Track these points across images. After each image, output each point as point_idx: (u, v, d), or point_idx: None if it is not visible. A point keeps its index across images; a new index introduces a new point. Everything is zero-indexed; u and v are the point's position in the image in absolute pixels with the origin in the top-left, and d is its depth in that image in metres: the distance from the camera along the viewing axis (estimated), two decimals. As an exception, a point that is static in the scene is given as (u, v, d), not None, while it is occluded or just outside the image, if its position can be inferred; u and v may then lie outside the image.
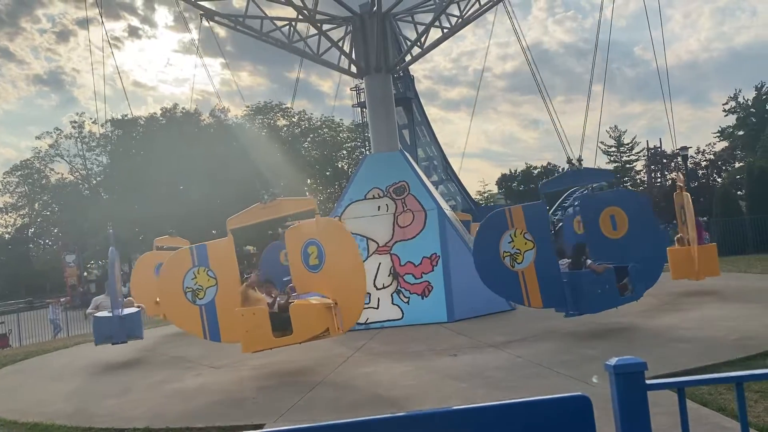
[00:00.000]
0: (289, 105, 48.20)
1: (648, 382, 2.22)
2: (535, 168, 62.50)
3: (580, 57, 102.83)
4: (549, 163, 62.04)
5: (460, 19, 16.74)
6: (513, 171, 63.82)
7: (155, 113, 51.18)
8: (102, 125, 48.69)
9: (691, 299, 12.22)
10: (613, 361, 2.19)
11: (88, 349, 13.50)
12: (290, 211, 10.75)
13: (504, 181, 63.18)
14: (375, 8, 15.23)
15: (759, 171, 25.67)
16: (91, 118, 52.30)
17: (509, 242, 9.68)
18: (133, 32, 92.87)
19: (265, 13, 16.72)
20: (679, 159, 35.99)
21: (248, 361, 10.01)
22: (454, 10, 16.93)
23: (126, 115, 47.15)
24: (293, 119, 52.33)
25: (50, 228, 58.17)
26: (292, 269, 10.30)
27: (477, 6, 16.53)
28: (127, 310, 11.97)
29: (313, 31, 16.48)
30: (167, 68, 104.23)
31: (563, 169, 59.83)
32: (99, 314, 11.93)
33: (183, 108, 49.60)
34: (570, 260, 10.07)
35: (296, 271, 10.13)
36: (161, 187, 42.58)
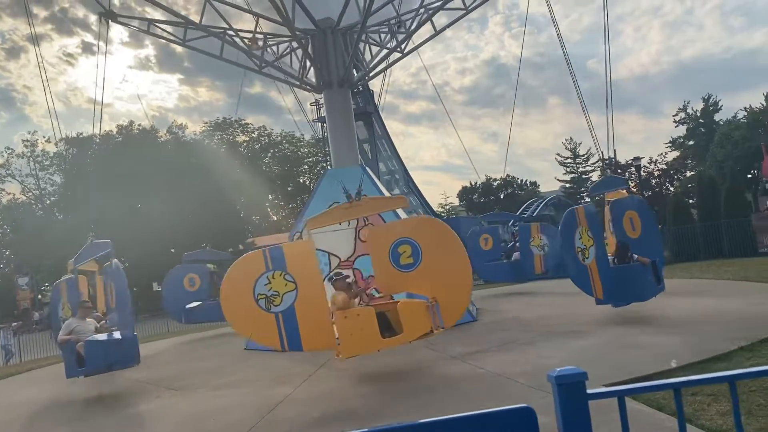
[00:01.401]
0: (248, 121, 48.00)
1: (589, 391, 2.27)
2: (495, 180, 63.31)
3: (536, 70, 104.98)
4: (508, 175, 62.96)
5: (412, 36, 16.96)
6: (473, 183, 64.53)
7: (111, 131, 50.28)
8: (56, 144, 47.59)
9: (648, 305, 12.50)
10: (554, 372, 2.24)
11: (44, 374, 13.11)
12: (379, 210, 10.31)
13: (465, 193, 63.80)
14: (337, 23, 15.36)
15: (709, 180, 26.52)
16: (44, 137, 51.11)
17: (579, 239, 10.62)
18: (87, 48, 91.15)
19: (229, 24, 16.63)
20: (633, 169, 36.95)
21: (209, 381, 9.85)
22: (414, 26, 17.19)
23: (81, 133, 46.17)
24: (253, 135, 52.02)
25: (1, 250, 56.34)
26: (376, 271, 9.70)
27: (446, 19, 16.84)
28: (117, 333, 10.35)
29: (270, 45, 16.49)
30: (123, 84, 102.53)
31: (524, 181, 60.35)
32: (96, 337, 10.13)
33: (139, 125, 48.86)
34: (614, 257, 11.24)
35: (383, 271, 9.53)
36: (118, 205, 41.74)
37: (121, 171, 41.67)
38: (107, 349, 9.89)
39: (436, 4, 16.65)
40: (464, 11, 16.65)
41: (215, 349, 14.99)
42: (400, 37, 17.31)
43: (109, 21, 16.42)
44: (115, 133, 49.43)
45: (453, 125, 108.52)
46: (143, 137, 47.26)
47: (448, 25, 17.35)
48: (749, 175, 50.06)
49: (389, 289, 9.49)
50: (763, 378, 5.83)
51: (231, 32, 16.24)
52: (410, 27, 17.04)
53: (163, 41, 17.28)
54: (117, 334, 10.10)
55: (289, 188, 52.23)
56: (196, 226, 38.58)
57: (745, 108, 55.61)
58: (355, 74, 17.43)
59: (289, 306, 8.44)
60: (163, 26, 16.47)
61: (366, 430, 2.10)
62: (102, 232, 40.31)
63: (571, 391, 2.16)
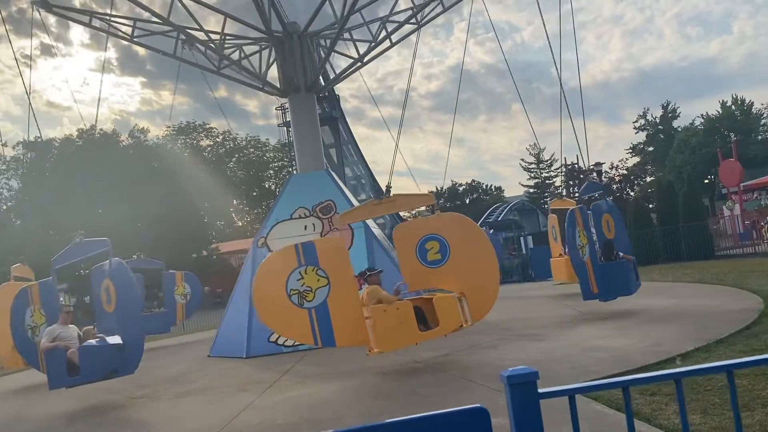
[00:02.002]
0: (212, 125, 47.50)
1: (540, 390, 2.30)
2: (461, 185, 63.87)
3: (500, 77, 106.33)
4: (473, 180, 63.58)
5: (382, 41, 17.02)
6: (440, 188, 64.96)
7: (71, 135, 49.17)
8: (13, 147, 46.35)
9: (607, 307, 12.73)
10: (506, 371, 2.26)
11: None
12: (407, 207, 10.37)
13: (431, 198, 64.03)
14: (302, 27, 15.31)
15: (668, 185, 27.17)
16: (1, 142, 49.72)
17: (578, 237, 11.58)
18: (45, 50, 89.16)
19: (184, 30, 16.41)
20: (594, 174, 37.63)
21: (171, 389, 9.67)
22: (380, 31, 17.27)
23: (39, 137, 45.06)
24: (218, 139, 51.48)
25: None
26: (403, 267, 9.66)
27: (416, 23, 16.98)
28: (115, 338, 9.44)
29: (232, 49, 16.34)
30: (83, 87, 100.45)
31: (489, 186, 60.87)
32: (91, 343, 9.32)
33: (101, 129, 47.88)
34: (602, 256, 12.01)
35: (410, 267, 9.47)
36: (78, 211, 40.80)
37: (82, 176, 40.79)
38: (107, 354, 9.10)
39: (394, 17, 16.91)
40: (417, 26, 17.04)
41: (177, 357, 14.75)
42: (364, 45, 17.36)
43: (42, 11, 15.61)
44: (75, 137, 48.37)
45: (388, 133, 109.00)
46: (105, 141, 46.34)
47: (400, 39, 17.65)
48: (706, 181, 51.51)
49: (416, 285, 9.51)
50: (719, 378, 5.98)
51: (194, 31, 15.91)
52: (378, 35, 17.13)
53: (124, 42, 16.87)
54: (116, 339, 9.24)
55: (254, 193, 51.83)
56: (158, 232, 37.95)
57: (702, 115, 57.34)
58: (321, 80, 17.41)
59: (322, 301, 8.44)
60: (110, 21, 15.89)
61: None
62: (61, 238, 39.38)
63: (523, 391, 2.20)
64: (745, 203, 32.97)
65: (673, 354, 7.67)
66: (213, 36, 15.87)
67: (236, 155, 52.00)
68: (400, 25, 16.84)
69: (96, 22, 15.98)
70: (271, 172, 53.87)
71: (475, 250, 9.28)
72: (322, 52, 17.44)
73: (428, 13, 16.82)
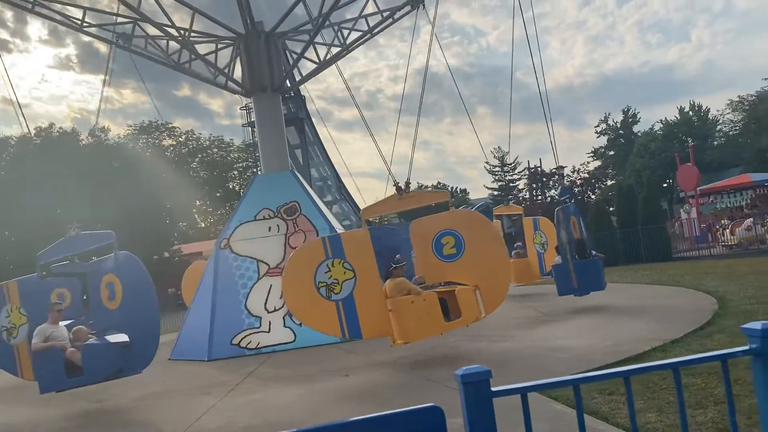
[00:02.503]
0: (175, 124, 46.78)
1: (493, 389, 2.33)
2: (427, 187, 64.12)
3: (466, 80, 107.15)
4: (439, 182, 63.94)
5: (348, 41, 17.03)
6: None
7: (28, 133, 47.83)
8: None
9: (568, 309, 12.94)
10: (460, 371, 2.29)
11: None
12: (425, 202, 10.80)
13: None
14: (260, 26, 15.19)
15: (627, 188, 27.77)
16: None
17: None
18: (2, 46, 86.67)
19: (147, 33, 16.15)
20: (557, 177, 38.20)
21: (131, 392, 9.48)
22: (349, 25, 17.33)
23: (-7, 135, 43.78)
24: (180, 139, 50.71)
25: None
26: (419, 260, 9.96)
27: (375, 24, 17.03)
28: (120, 337, 8.95)
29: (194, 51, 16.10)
30: (42, 85, 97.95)
31: (450, 188, 61.25)
32: (93, 341, 8.88)
33: (60, 128, 46.74)
34: (577, 254, 12.81)
35: (426, 261, 9.80)
36: (36, 211, 39.72)
37: (39, 175, 39.76)
38: (113, 354, 8.61)
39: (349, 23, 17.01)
40: (369, 34, 17.16)
41: (138, 360, 14.44)
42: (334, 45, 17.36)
43: None
44: (32, 135, 47.09)
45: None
46: (64, 140, 45.25)
47: (359, 44, 17.72)
48: (665, 185, 52.75)
49: (432, 278, 9.71)
50: (689, 373, 6.12)
51: (168, 28, 15.58)
52: (347, 36, 17.17)
53: (85, 39, 16.46)
54: (121, 337, 8.78)
55: (217, 194, 51.20)
56: (119, 233, 37.26)
57: (661, 120, 58.68)
58: (288, 80, 17.31)
59: (349, 294, 8.66)
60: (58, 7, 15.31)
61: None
62: (17, 239, 38.30)
63: (476, 389, 2.23)
64: (701, 207, 33.84)
65: (632, 354, 7.83)
66: (170, 31, 15.54)
67: (199, 155, 51.31)
68: (367, 33, 16.85)
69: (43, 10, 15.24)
70: (236, 172, 53.31)
71: (488, 245, 9.69)
72: (288, 54, 17.37)
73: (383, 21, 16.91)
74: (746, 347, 2.47)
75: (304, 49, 16.32)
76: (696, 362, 2.71)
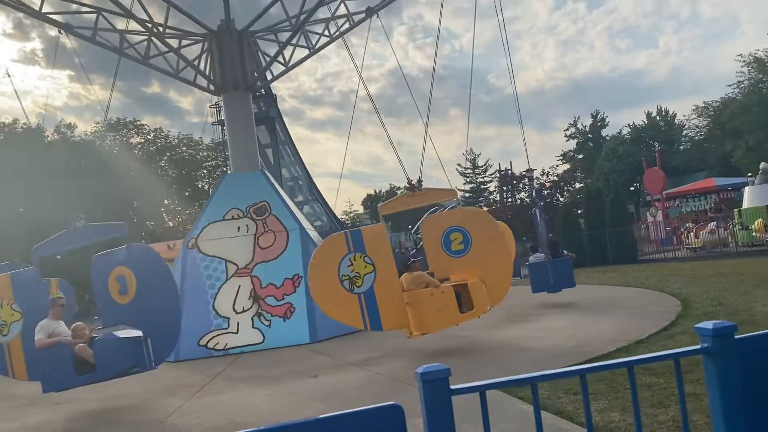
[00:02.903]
0: (143, 122, 46.09)
1: (452, 387, 2.36)
2: (399, 188, 64.29)
3: (439, 82, 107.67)
4: (411, 182, 64.04)
5: (323, 37, 16.99)
6: (378, 191, 65.33)
7: (-9, 128, 46.67)
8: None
9: (535, 310, 13.11)
10: (420, 369, 2.32)
11: None
12: (436, 200, 11.39)
13: (370, 201, 64.43)
14: (235, 24, 15.07)
15: (595, 191, 28.21)
16: None
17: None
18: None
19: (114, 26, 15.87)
20: (527, 180, 38.63)
21: (97, 394, 9.31)
22: (317, 28, 17.29)
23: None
24: (149, 137, 49.99)
25: None
26: (429, 255, 10.25)
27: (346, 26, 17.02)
28: (132, 332, 8.55)
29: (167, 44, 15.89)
30: (5, 79, 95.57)
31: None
32: (103, 336, 8.51)
33: (24, 123, 45.71)
34: (550, 252, 13.55)
35: (435, 257, 10.11)
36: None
37: (2, 171, 38.83)
38: (128, 349, 8.21)
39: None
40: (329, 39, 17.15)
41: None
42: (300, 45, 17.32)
43: None
44: (-6, 130, 45.99)
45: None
46: (28, 136, 44.26)
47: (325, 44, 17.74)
48: (632, 188, 53.71)
49: (441, 273, 9.94)
50: (639, 377, 6.24)
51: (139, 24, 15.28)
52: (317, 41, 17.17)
53: (52, 33, 16.06)
54: (133, 332, 8.34)
55: (186, 193, 50.58)
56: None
57: (629, 125, 59.75)
58: (259, 78, 17.20)
59: (369, 287, 9.11)
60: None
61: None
62: (-22, 237, 37.32)
63: (435, 387, 2.26)
64: (667, 210, 34.55)
65: (597, 354, 7.97)
66: (136, 25, 15.28)
67: (168, 153, 50.62)
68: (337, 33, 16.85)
69: None
70: (205, 171, 52.70)
71: (493, 242, 10.12)
72: (260, 53, 17.28)
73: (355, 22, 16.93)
74: (698, 346, 2.54)
75: (281, 49, 16.26)
76: (649, 361, 2.78)
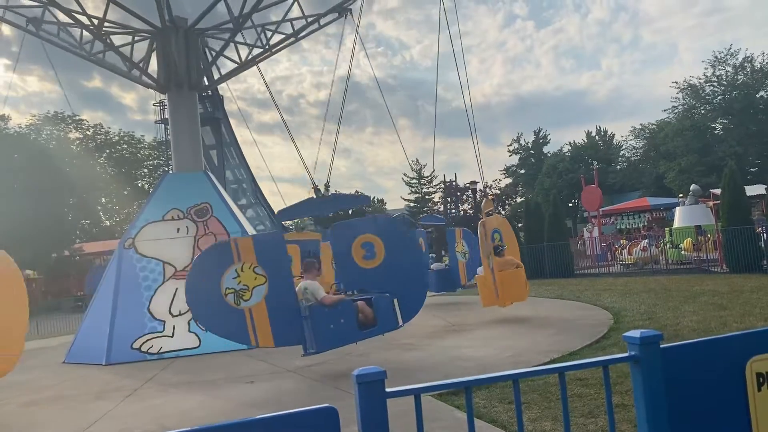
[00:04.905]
0: (83, 117, 44.57)
1: (387, 390, 2.39)
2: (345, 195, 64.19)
3: (388, 92, 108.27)
4: (357, 191, 64.08)
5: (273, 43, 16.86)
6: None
7: None
8: None
9: (472, 322, 13.29)
10: (356, 371, 2.33)
11: None
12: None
13: (313, 206, 63.88)
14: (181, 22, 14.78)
15: (535, 206, 28.88)
16: None
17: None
18: None
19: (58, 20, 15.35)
20: (470, 192, 39.19)
21: (19, 397, 8.92)
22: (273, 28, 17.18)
23: None
24: (87, 132, 48.38)
25: None
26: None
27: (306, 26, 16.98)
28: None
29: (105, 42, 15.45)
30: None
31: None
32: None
33: (-47, 113, 43.49)
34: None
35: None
36: None
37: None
38: (393, 307, 9.12)
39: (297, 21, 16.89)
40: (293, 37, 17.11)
41: (29, 362, 13.58)
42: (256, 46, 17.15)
43: None
44: None
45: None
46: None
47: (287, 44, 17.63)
48: (570, 204, 55.30)
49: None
50: (570, 388, 6.40)
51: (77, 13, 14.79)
52: (269, 38, 17.01)
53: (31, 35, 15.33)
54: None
55: (125, 192, 49.14)
56: (15, 230, 35.00)
57: (569, 143, 61.62)
58: (205, 79, 16.92)
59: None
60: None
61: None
62: None
63: (370, 389, 2.27)
64: (603, 227, 35.68)
65: (532, 364, 8.14)
66: (82, 19, 14.82)
67: (107, 150, 49.10)
68: (294, 35, 16.79)
69: None
70: (146, 170, 51.35)
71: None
72: (208, 51, 17.02)
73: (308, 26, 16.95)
74: (626, 354, 2.65)
75: (223, 48, 16.07)
76: (580, 367, 2.87)
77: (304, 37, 17.31)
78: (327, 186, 10.02)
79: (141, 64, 15.81)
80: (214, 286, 8.32)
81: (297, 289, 8.83)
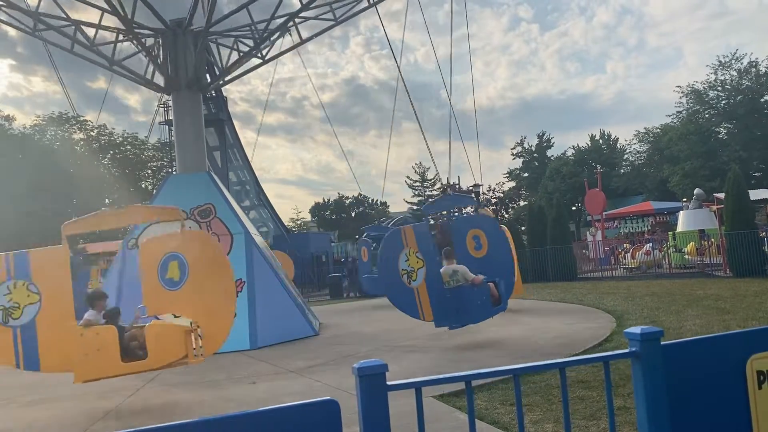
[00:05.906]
0: (87, 118, 44.70)
1: (388, 383, 2.39)
2: (347, 198, 64.26)
3: (392, 94, 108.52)
4: (360, 194, 64.18)
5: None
6: (326, 200, 65.04)
7: None
8: None
9: (476, 325, 13.26)
10: (358, 364, 2.34)
11: None
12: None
13: (317, 209, 64.10)
14: (190, 23, 14.83)
15: (538, 209, 28.86)
16: None
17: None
18: None
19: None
20: (473, 195, 39.20)
21: (24, 396, 8.95)
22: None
23: None
24: (92, 133, 48.52)
25: None
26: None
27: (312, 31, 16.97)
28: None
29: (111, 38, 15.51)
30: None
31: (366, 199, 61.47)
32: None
33: (-42, 113, 43.73)
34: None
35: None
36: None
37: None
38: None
39: (304, 14, 16.84)
40: (333, 22, 17.08)
41: None
42: (261, 42, 17.18)
43: None
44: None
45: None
46: (-38, 126, 42.34)
47: (312, 36, 17.62)
48: (574, 208, 55.25)
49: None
50: (573, 390, 6.41)
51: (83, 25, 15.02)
52: (275, 35, 17.00)
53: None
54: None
55: (129, 192, 49.23)
56: (21, 229, 35.13)
57: (573, 146, 61.55)
58: (209, 78, 16.98)
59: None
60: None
61: (166, 424, 2.01)
62: None
63: (372, 382, 2.27)
64: (606, 231, 35.64)
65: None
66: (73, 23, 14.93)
67: (111, 152, 49.22)
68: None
69: None
70: (149, 171, 51.45)
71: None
72: (215, 52, 17.07)
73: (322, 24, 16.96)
74: (627, 350, 2.66)
75: (246, 57, 16.10)
76: (581, 363, 2.88)
77: (345, 20, 17.21)
78: (455, 185, 10.98)
79: (149, 66, 15.87)
80: (393, 266, 10.36)
81: (442, 271, 10.28)
